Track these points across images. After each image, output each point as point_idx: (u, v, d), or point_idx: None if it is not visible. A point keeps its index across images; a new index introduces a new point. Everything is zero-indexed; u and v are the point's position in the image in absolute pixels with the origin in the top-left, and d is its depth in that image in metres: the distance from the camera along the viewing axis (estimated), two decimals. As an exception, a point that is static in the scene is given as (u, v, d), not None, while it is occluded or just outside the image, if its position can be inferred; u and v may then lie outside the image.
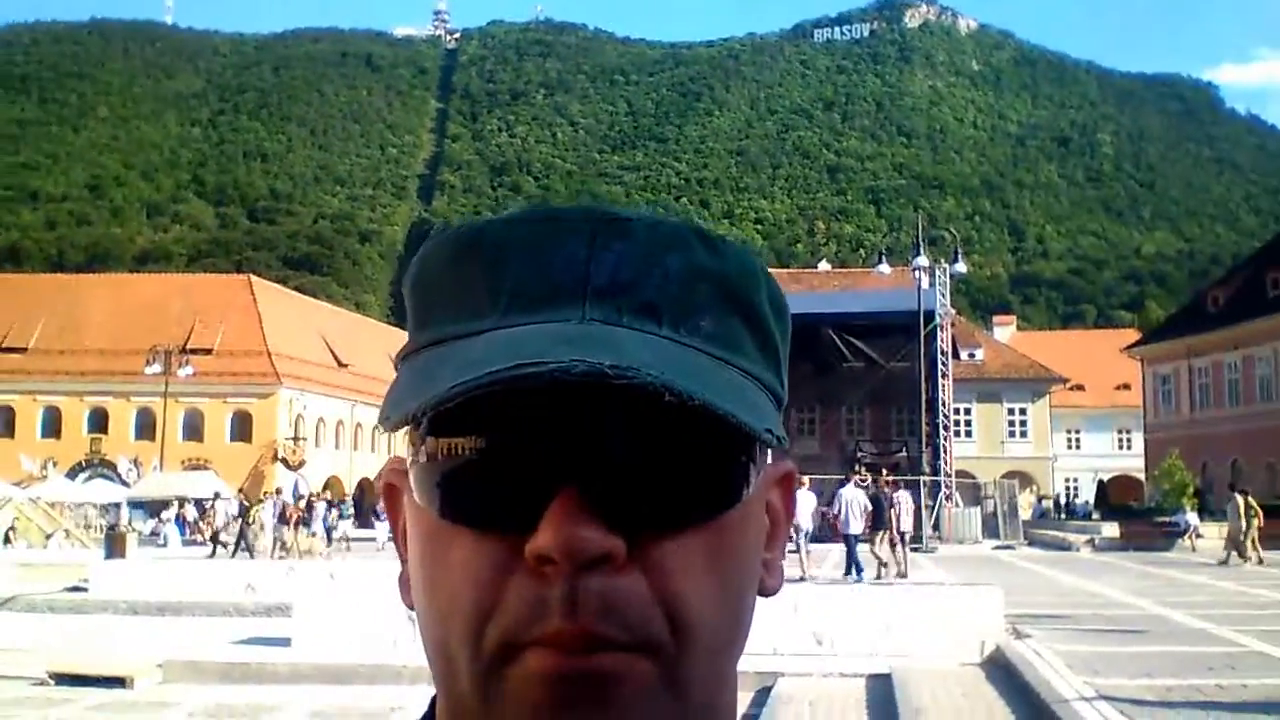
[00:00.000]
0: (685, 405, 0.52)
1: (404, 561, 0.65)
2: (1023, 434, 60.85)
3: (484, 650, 0.55)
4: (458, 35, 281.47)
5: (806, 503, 22.10)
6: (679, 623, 0.56)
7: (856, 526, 21.01)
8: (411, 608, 0.62)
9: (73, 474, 55.31)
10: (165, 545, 36.53)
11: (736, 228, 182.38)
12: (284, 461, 59.49)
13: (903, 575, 20.82)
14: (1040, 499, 57.04)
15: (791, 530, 0.60)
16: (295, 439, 61.90)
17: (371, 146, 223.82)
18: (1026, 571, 25.84)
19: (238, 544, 31.66)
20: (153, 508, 45.35)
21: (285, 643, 13.51)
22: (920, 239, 38.46)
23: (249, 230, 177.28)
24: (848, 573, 20.98)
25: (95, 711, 10.66)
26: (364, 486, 67.43)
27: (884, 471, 40.77)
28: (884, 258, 43.21)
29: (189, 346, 57.16)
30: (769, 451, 0.61)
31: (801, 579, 19.87)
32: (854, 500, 21.18)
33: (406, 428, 0.59)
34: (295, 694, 11.55)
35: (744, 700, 10.83)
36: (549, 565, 0.54)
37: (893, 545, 21.39)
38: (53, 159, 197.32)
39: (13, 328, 61.26)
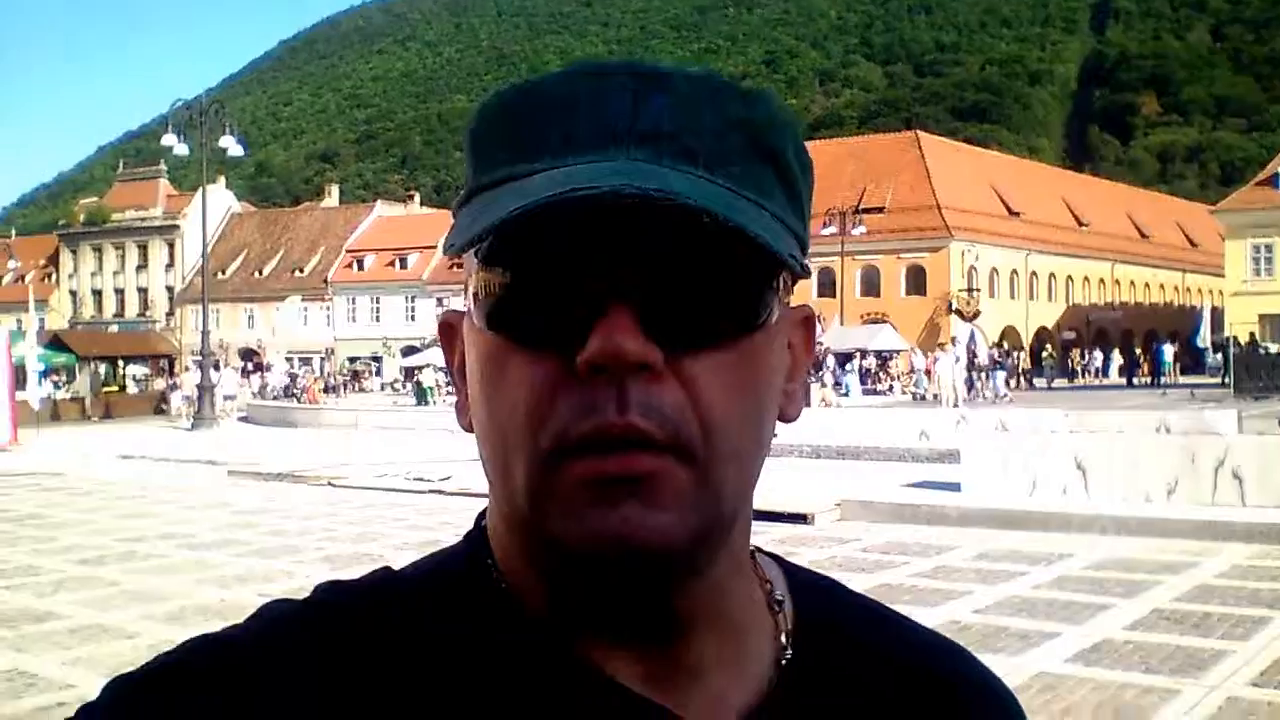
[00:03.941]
0: (721, 228, 0.58)
1: (459, 392, 0.72)
2: None
3: (538, 451, 0.61)
4: None
5: None
6: (709, 428, 0.62)
7: None
8: (467, 429, 0.70)
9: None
10: (848, 395, 38.56)
11: None
12: (958, 313, 59.85)
13: None
14: None
15: None
16: (969, 290, 61.99)
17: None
18: None
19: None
20: (839, 360, 47.88)
21: (955, 488, 13.77)
22: None
23: (916, 86, 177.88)
24: None
25: (780, 544, 11.59)
26: (1041, 336, 66.12)
27: None
28: None
29: (862, 206, 59.19)
30: (791, 289, 0.68)
31: None
32: None
33: (469, 261, 0.65)
34: (963, 536, 11.75)
35: None
36: (598, 374, 0.60)
37: None
38: (731, 40, 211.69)
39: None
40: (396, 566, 0.74)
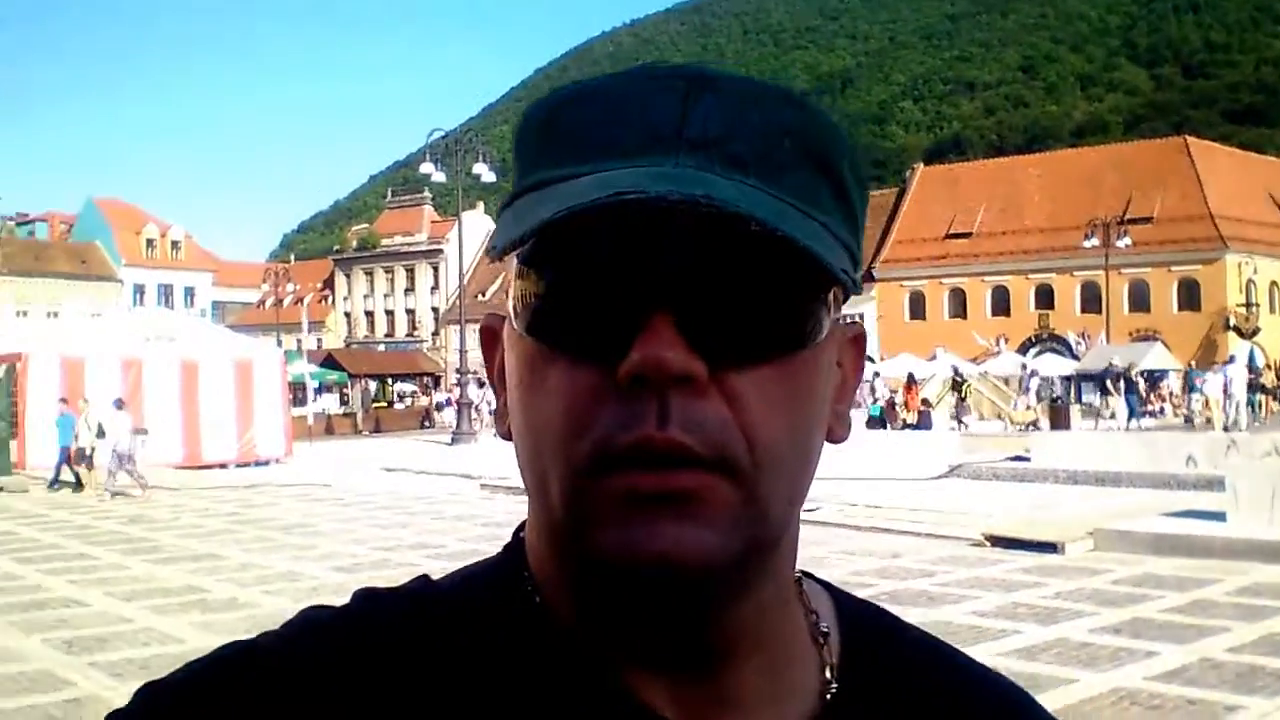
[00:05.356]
0: (769, 237, 0.56)
1: (498, 399, 0.70)
2: None
3: (575, 461, 0.59)
4: None
5: None
6: (755, 446, 0.59)
7: None
8: (505, 437, 0.68)
9: (1023, 349, 57.75)
10: (1134, 416, 36.65)
11: None
12: (1236, 330, 56.13)
13: None
14: None
15: None
16: (1247, 305, 58.04)
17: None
18: None
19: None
20: (1098, 379, 45.58)
21: (1220, 518, 12.90)
22: None
23: (1185, 88, 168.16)
24: None
25: (1023, 573, 11.14)
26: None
27: None
28: None
29: (1127, 216, 56.39)
30: (841, 306, 0.65)
31: None
32: None
33: (511, 268, 0.64)
34: (1226, 570, 10.99)
35: None
36: (640, 386, 0.58)
37: None
38: (985, 47, 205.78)
39: (958, 214, 65.37)
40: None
